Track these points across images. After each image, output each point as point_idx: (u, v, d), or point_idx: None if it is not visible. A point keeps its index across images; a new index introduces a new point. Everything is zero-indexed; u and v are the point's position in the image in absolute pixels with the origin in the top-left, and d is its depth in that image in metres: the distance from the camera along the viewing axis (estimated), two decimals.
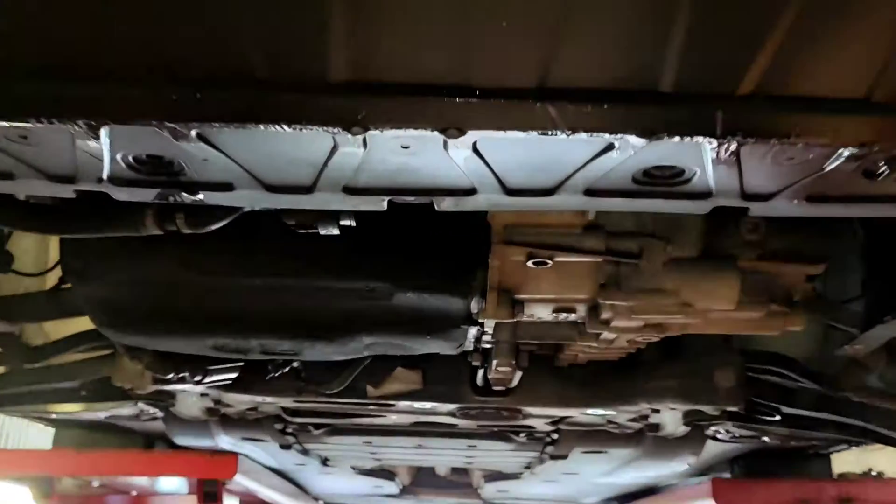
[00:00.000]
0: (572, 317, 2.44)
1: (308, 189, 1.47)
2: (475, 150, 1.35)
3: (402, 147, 1.34)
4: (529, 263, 2.20)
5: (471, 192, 1.49)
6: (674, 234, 2.26)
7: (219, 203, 1.56)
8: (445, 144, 1.33)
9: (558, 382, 3.17)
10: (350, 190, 1.48)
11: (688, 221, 2.27)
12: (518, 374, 2.86)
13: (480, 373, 2.94)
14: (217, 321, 2.33)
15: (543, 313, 2.42)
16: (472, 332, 2.48)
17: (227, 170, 1.43)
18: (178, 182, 1.48)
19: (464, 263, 2.23)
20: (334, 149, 1.36)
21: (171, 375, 2.79)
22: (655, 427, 3.49)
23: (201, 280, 2.24)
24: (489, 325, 2.42)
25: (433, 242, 2.21)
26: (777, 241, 2.36)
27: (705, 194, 1.46)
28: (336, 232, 2.00)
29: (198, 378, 2.86)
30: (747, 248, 2.33)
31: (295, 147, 1.37)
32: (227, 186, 1.48)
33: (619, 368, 3.19)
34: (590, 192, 1.48)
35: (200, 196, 1.52)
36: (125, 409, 3.63)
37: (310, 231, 1.99)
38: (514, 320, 2.36)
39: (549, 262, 2.20)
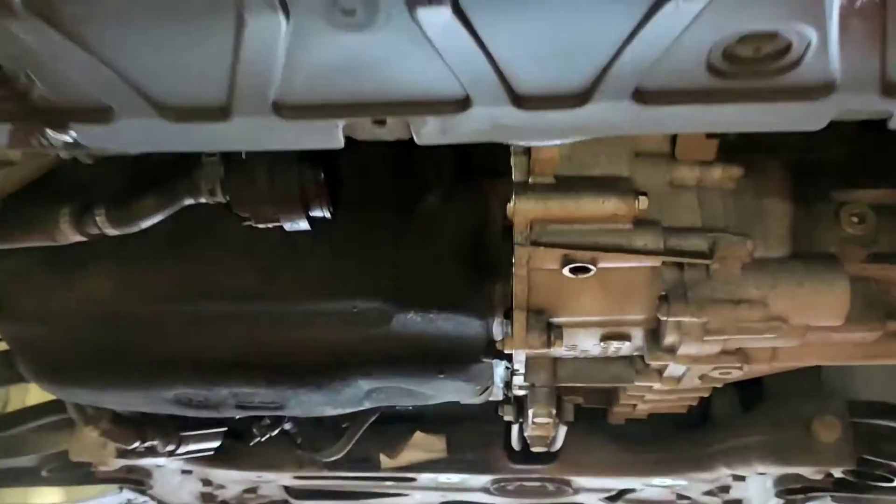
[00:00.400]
0: (625, 348, 1.90)
1: (223, 111, 0.99)
2: (457, 10, 0.86)
3: (344, 13, 0.86)
4: (566, 271, 1.68)
5: (463, 103, 1.00)
6: (753, 227, 1.73)
7: (103, 146, 1.08)
8: (412, 2, 0.84)
9: (614, 445, 2.59)
10: (283, 109, 1.00)
11: (771, 210, 1.75)
12: (562, 432, 2.28)
13: (515, 431, 2.37)
14: (171, 363, 1.83)
15: (588, 343, 1.89)
16: (500, 370, 1.94)
17: (96, 78, 0.97)
18: (32, 108, 1.01)
19: (479, 269, 1.71)
20: (241, 22, 0.88)
21: (136, 444, 2.28)
22: (738, 503, 2.84)
23: (145, 308, 1.75)
24: (519, 361, 1.87)
25: (434, 242, 1.70)
26: (891, 237, 1.81)
27: (824, 87, 0.94)
28: (305, 225, 1.51)
29: (170, 447, 2.34)
30: (852, 246, 1.79)
31: (184, 28, 0.89)
32: (104, 113, 1.01)
33: (688, 424, 2.61)
34: (642, 94, 0.97)
35: (73, 133, 1.04)
36: (110, 499, 3.11)
37: (271, 226, 1.51)
38: (550, 351, 1.82)
39: (592, 268, 1.68)
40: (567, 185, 1.66)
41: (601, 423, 2.53)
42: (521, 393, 2.11)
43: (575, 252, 1.67)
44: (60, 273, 1.73)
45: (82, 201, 1.53)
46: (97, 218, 1.49)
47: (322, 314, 1.73)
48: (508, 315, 1.75)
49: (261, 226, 1.50)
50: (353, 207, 1.67)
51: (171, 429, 2.32)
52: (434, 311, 1.70)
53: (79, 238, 1.55)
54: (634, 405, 2.30)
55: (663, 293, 1.70)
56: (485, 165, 1.74)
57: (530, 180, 1.66)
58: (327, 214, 1.51)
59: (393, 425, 2.63)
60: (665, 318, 1.70)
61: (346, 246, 1.68)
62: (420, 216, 1.70)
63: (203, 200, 1.52)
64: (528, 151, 1.65)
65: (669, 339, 1.75)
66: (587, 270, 1.69)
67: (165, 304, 1.73)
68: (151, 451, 2.35)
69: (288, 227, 1.51)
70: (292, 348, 1.80)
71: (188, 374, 1.86)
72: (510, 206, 1.65)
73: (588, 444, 2.55)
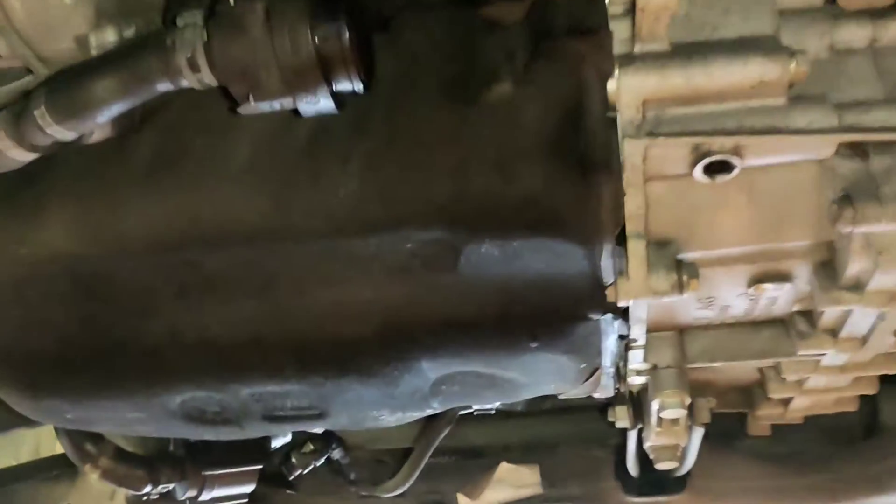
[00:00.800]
0: (783, 298, 1.41)
1: None
2: None
3: None
4: (698, 173, 1.21)
5: None
6: None
7: None
8: None
9: (758, 466, 2.02)
10: None
11: None
12: (696, 441, 1.74)
13: (632, 445, 1.82)
14: (167, 349, 1.38)
15: (732, 291, 1.39)
16: (609, 343, 1.43)
17: None
18: None
19: (575, 173, 1.23)
20: None
21: (147, 489, 1.80)
22: None
23: (120, 262, 1.31)
24: (639, 321, 1.36)
25: (510, 139, 1.23)
26: None
27: None
28: (328, 104, 1.07)
29: (192, 493, 1.86)
30: None
31: None
32: None
33: (850, 437, 2.03)
34: None
35: None
36: None
37: (278, 105, 1.07)
38: (681, 301, 1.32)
39: (735, 163, 1.20)
40: (689, 51, 1.19)
41: (738, 437, 1.97)
42: (639, 382, 1.59)
43: (711, 139, 1.19)
44: (8, 225, 1.31)
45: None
46: (35, 113, 1.07)
47: (361, 258, 1.26)
48: (622, 241, 1.26)
49: (264, 106, 1.05)
50: (396, 103, 1.23)
51: (191, 468, 1.84)
52: (518, 238, 1.22)
53: (23, 153, 1.14)
54: (788, 401, 1.75)
55: (842, 194, 1.20)
56: (574, 24, 1.27)
57: (636, 49, 1.19)
58: (359, 86, 1.06)
59: (472, 459, 2.11)
60: (848, 231, 1.19)
61: (389, 154, 1.22)
62: (488, 108, 1.23)
63: (185, 83, 1.09)
64: (630, 10, 1.19)
65: (854, 266, 1.24)
66: (728, 169, 1.20)
67: (147, 254, 1.29)
68: (169, 500, 1.86)
69: (305, 107, 1.06)
70: (325, 315, 1.33)
71: (191, 364, 1.40)
72: (611, 85, 1.18)
73: (724, 466, 1.99)
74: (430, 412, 1.58)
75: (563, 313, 1.30)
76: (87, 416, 1.56)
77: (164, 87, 1.10)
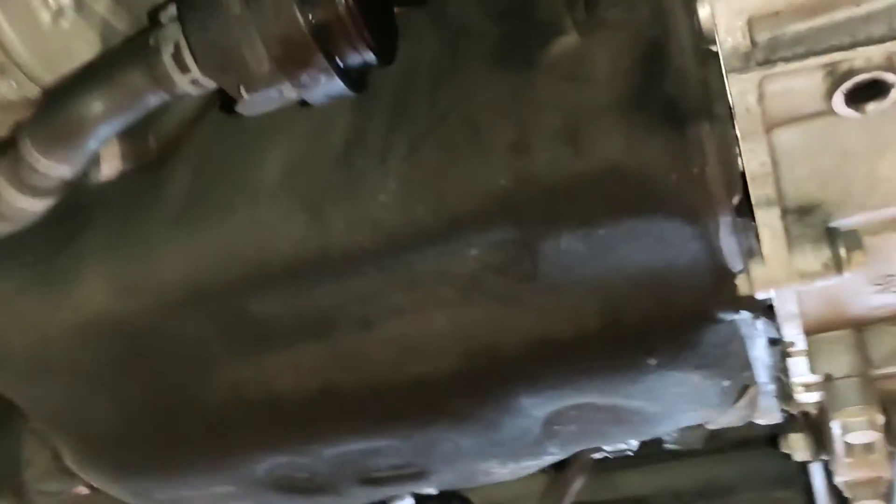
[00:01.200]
0: None
1: None
2: None
3: None
4: (839, 105, 0.92)
5: None
6: None
7: None
8: None
9: None
10: None
11: None
12: None
13: (818, 480, 1.44)
14: (233, 414, 1.21)
15: None
16: (760, 352, 1.11)
17: None
18: None
19: (668, 131, 0.94)
20: None
21: None
22: None
23: (163, 314, 1.16)
24: (789, 318, 1.04)
25: (580, 99, 0.96)
26: None
27: None
28: (338, 86, 0.95)
29: None
30: None
31: None
32: None
33: None
34: None
35: None
36: None
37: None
38: (843, 282, 1.00)
39: (892, 80, 0.89)
40: None
41: None
42: (812, 400, 1.24)
43: (851, 53, 0.88)
44: (48, 291, 1.19)
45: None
46: (23, 150, 0.94)
47: (423, 276, 1.03)
48: (745, 215, 0.96)
49: (259, 98, 0.87)
50: (440, 80, 1.02)
51: None
52: (604, 223, 0.94)
53: (29, 201, 1.03)
54: None
55: None
56: None
57: None
58: (370, 57, 0.86)
59: None
60: None
61: (429, 139, 1.00)
62: (550, 67, 0.98)
63: (177, 90, 0.93)
64: None
65: None
66: (882, 92, 0.89)
67: (188, 303, 1.13)
68: None
69: (309, 93, 0.87)
70: (398, 351, 1.11)
71: (261, 425, 1.22)
72: (703, 6, 0.91)
73: None
74: (551, 459, 1.31)
75: (683, 316, 1.00)
76: (178, 496, 1.41)
77: (155, 97, 0.95)
